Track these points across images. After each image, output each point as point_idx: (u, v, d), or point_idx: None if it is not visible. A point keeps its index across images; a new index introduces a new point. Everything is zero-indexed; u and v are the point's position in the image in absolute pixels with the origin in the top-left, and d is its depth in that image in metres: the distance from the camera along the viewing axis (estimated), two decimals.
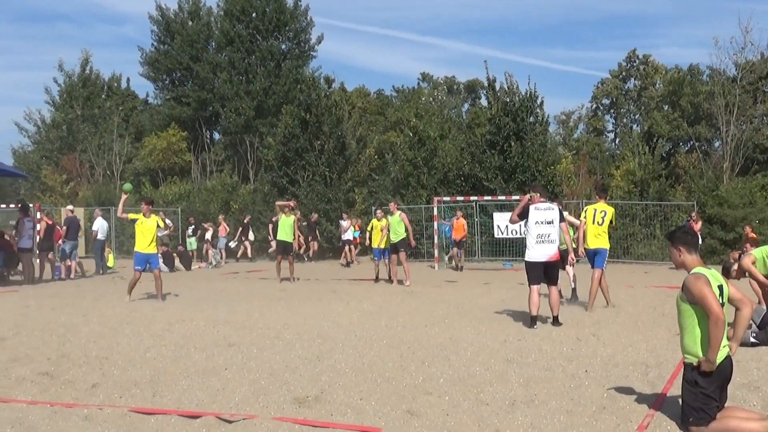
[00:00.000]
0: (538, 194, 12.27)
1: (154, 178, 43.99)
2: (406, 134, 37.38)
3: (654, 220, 30.63)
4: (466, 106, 57.72)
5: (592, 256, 13.87)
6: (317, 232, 32.13)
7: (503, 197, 29.16)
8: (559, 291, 12.26)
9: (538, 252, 11.79)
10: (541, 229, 11.83)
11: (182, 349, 9.68)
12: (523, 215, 12.13)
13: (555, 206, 12.19)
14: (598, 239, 13.85)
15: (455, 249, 26.61)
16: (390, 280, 20.25)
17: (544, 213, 11.95)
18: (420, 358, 8.99)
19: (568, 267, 14.64)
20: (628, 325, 11.58)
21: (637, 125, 51.84)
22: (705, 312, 5.74)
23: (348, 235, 29.78)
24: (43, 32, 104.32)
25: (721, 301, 5.82)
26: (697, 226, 24.18)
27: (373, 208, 25.54)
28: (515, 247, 28.63)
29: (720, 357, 5.81)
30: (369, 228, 21.95)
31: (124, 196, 15.26)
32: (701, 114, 39.01)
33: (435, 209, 28.24)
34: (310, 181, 34.71)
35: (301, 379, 7.84)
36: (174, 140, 44.68)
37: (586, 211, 14.31)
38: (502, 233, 28.58)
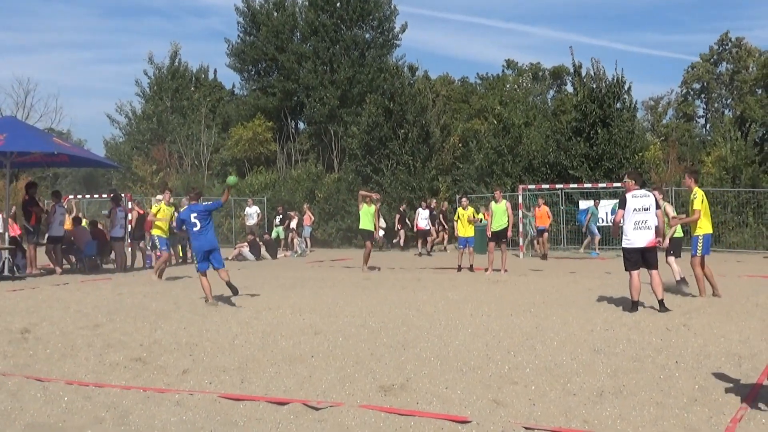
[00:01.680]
0: (634, 181, 12.36)
1: (241, 167, 44.68)
2: (490, 122, 37.18)
3: (746, 207, 29.82)
4: (552, 92, 57.09)
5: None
6: (407, 220, 32.12)
7: (589, 185, 28.78)
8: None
9: (636, 238, 11.98)
10: (638, 216, 11.99)
11: (269, 337, 9.80)
12: (621, 204, 12.26)
13: (651, 193, 12.36)
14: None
15: (538, 237, 26.42)
16: (485, 269, 20.19)
17: (641, 200, 12.09)
18: (506, 347, 8.93)
19: (670, 259, 14.86)
20: (720, 316, 11.30)
21: (729, 110, 50.63)
22: None
23: (423, 224, 29.59)
24: (133, 26, 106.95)
25: None
26: None
27: (457, 196, 25.49)
28: (602, 236, 28.23)
29: None
30: (456, 217, 21.90)
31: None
32: None
33: (520, 197, 28.03)
34: (393, 170, 34.81)
35: (387, 367, 7.86)
36: (260, 130, 45.30)
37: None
38: (603, 221, 28.23)
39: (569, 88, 48.46)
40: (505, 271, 19.66)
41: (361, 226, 21.52)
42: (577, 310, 12.01)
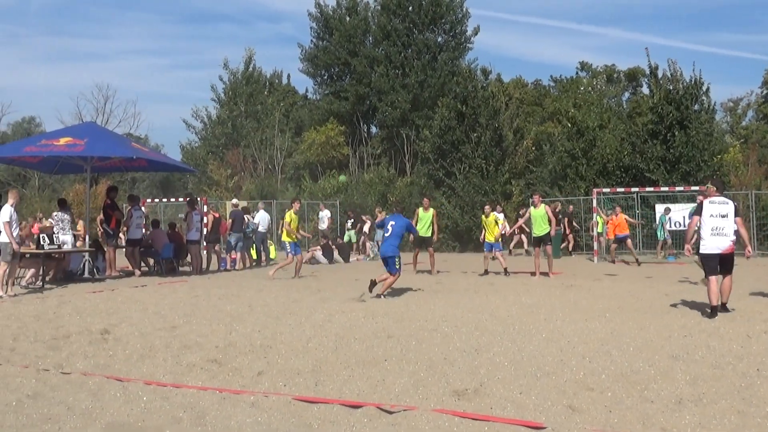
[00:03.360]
0: (715, 188, 12.49)
1: (314, 171, 45.03)
2: (564, 125, 36.81)
3: None
4: (627, 94, 56.30)
5: None
6: (573, 224, 31.09)
7: (666, 188, 28.33)
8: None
9: (712, 244, 12.05)
10: (716, 222, 12.06)
11: (342, 340, 9.85)
12: (698, 210, 12.42)
13: (730, 201, 12.34)
14: None
15: (614, 245, 25.93)
16: (532, 273, 20.14)
17: (719, 207, 12.15)
18: (580, 352, 8.84)
19: None
20: None
21: None
22: None
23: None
24: (208, 32, 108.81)
25: None
26: None
27: (531, 198, 25.25)
28: (678, 240, 27.73)
29: None
30: (482, 223, 22.00)
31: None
32: None
33: (594, 201, 27.70)
34: (466, 174, 34.69)
35: (460, 372, 7.84)
36: (332, 134, 45.62)
37: None
38: (672, 226, 27.79)
39: (645, 90, 47.72)
40: (551, 275, 19.74)
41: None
42: (654, 316, 11.82)
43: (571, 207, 31.08)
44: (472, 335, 10.15)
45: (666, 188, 28.40)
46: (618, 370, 7.85)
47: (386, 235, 15.68)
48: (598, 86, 53.74)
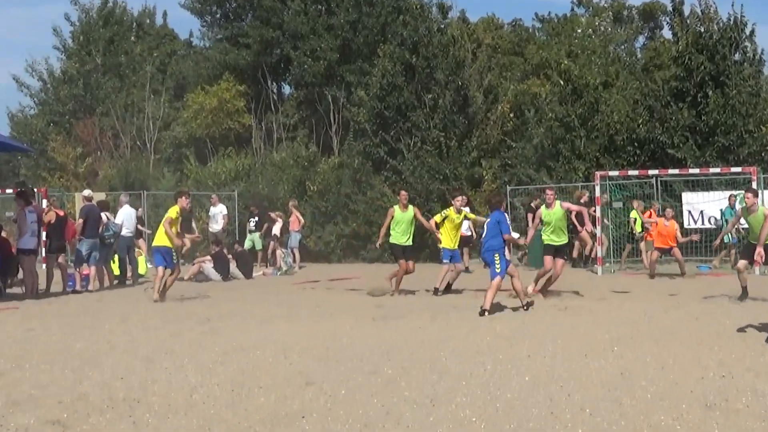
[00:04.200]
0: None
1: (201, 149, 44.69)
2: (554, 82, 37.08)
3: None
4: (641, 40, 56.91)
5: None
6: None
7: (696, 170, 28.64)
8: None
9: None
10: None
11: (242, 389, 9.79)
12: None
13: None
14: None
15: (655, 253, 25.83)
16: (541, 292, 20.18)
17: None
18: (578, 402, 8.89)
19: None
20: None
21: None
22: None
23: (464, 228, 29.12)
24: None
25: None
26: None
27: (509, 187, 25.35)
28: (708, 242, 28.20)
29: None
30: (440, 219, 21.73)
31: None
32: None
33: (597, 188, 27.84)
34: (417, 151, 34.76)
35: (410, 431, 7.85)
36: (228, 97, 45.27)
37: None
38: (696, 221, 28.19)
39: (666, 34, 48.32)
40: (533, 291, 19.79)
41: (391, 240, 21.52)
42: (681, 348, 11.95)
43: (585, 194, 30.67)
44: (426, 380, 10.15)
45: (696, 170, 28.73)
46: (631, 425, 7.92)
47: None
48: (602, 28, 54.23)
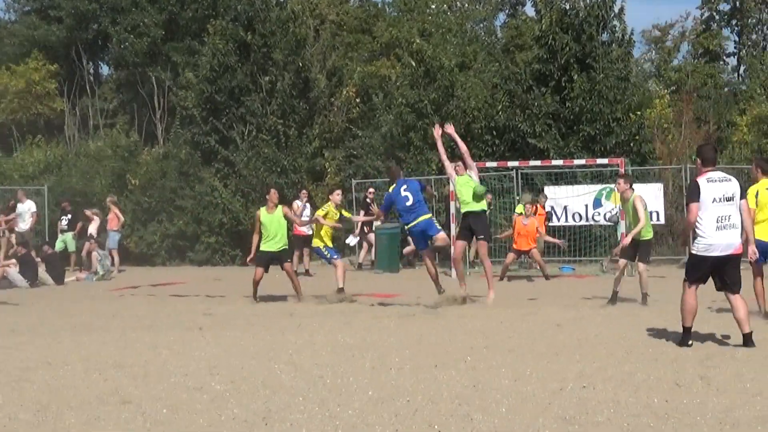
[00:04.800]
0: (703, 160, 12.95)
1: (6, 138, 43.86)
2: (405, 64, 37.29)
3: None
4: (502, 17, 57.66)
5: None
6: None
7: (560, 162, 29.07)
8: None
9: (719, 241, 12.49)
10: (721, 210, 12.54)
11: (47, 410, 9.64)
12: (694, 193, 12.67)
13: (733, 178, 12.91)
14: None
15: (511, 255, 26.06)
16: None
17: (721, 186, 12.63)
18: (426, 418, 8.99)
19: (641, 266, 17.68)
20: (754, 362, 11.60)
21: None
22: None
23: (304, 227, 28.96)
24: None
25: None
26: None
27: (354, 180, 25.42)
28: (580, 242, 28.72)
29: None
30: (322, 213, 21.87)
31: None
32: None
33: (451, 182, 28.04)
34: (252, 141, 34.64)
35: None
36: (37, 78, 44.55)
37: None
38: (559, 219, 28.68)
39: (529, 11, 49.08)
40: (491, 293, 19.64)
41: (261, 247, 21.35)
42: (538, 358, 12.15)
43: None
44: (258, 396, 10.16)
45: (560, 161, 29.24)
46: None
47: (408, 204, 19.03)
48: (459, 4, 54.74)
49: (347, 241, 28.58)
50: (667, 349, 12.57)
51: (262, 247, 20.96)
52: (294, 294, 20.94)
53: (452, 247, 20.98)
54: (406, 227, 20.33)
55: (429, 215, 19.27)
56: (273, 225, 20.99)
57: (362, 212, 29.74)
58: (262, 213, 21.00)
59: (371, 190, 30.99)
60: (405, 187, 19.14)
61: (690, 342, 12.46)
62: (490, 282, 19.26)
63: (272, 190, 21.69)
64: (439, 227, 19.23)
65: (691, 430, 8.31)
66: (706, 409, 9.12)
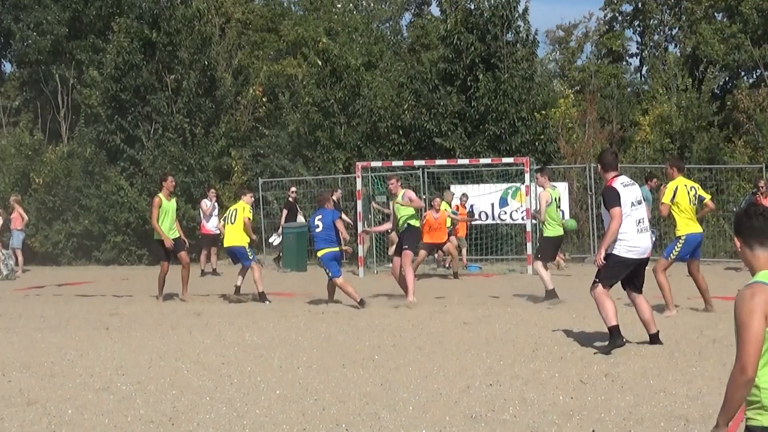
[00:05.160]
0: (602, 166, 13.31)
1: None
2: (312, 63, 37.22)
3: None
4: (408, 17, 57.77)
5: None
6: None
7: (466, 160, 29.14)
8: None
9: (640, 243, 12.72)
10: (638, 213, 12.77)
11: None
12: (613, 198, 12.74)
13: (634, 182, 13.36)
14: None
15: (422, 252, 25.85)
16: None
17: (633, 190, 12.97)
18: (334, 416, 8.99)
19: (537, 264, 18.33)
20: (659, 359, 11.74)
21: (676, 45, 52.45)
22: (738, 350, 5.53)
23: (212, 224, 28.71)
24: None
25: None
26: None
27: (261, 179, 25.37)
28: (487, 241, 28.85)
29: None
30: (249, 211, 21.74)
31: None
32: None
33: (359, 181, 27.98)
34: (158, 139, 34.41)
35: None
36: None
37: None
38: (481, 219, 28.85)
39: (435, 11, 49.19)
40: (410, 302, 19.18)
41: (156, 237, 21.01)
42: (447, 356, 12.20)
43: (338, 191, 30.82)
44: (165, 396, 10.11)
45: (466, 161, 29.30)
46: None
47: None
48: (365, 3, 54.75)
49: (270, 240, 28.39)
50: (573, 347, 12.69)
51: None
52: (182, 287, 20.88)
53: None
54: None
55: (335, 248, 19.23)
56: (171, 213, 20.82)
57: (285, 211, 29.65)
58: (163, 200, 20.55)
59: (293, 189, 30.79)
60: (320, 216, 19.36)
61: (624, 341, 12.39)
62: (410, 290, 19.07)
63: (169, 177, 21.40)
64: (339, 270, 19.19)
65: (596, 427, 8.40)
66: (611, 406, 9.22)
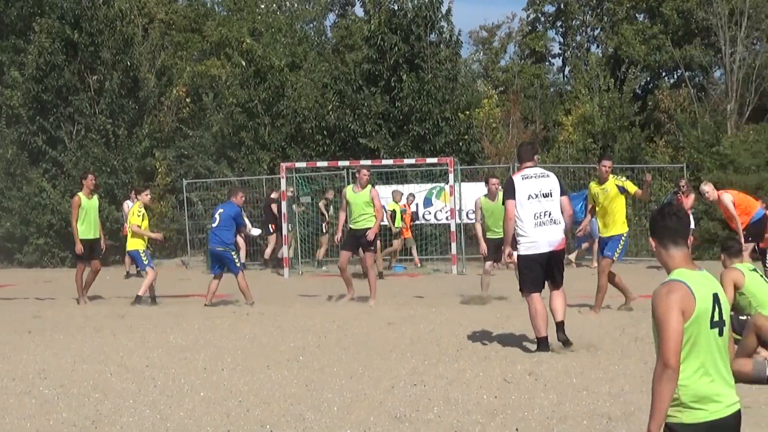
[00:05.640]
0: (523, 156, 13.17)
1: None
2: (236, 63, 37.09)
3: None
4: (332, 17, 57.72)
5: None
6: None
7: (390, 161, 29.17)
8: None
9: (539, 237, 12.52)
10: (537, 206, 12.56)
11: None
12: (509, 191, 12.71)
13: (552, 174, 13.07)
14: None
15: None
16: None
17: (537, 182, 12.68)
18: (259, 418, 8.98)
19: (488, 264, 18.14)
20: (582, 357, 11.82)
21: (598, 46, 52.81)
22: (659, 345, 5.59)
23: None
24: None
25: (715, 319, 5.72)
26: (689, 201, 24.58)
27: (185, 180, 25.23)
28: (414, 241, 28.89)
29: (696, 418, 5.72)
30: (136, 214, 21.34)
31: None
32: (694, 28, 39.97)
33: (283, 182, 27.94)
34: (81, 140, 34.12)
35: None
36: None
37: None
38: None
39: (359, 12, 49.21)
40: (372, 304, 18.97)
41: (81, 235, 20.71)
42: (371, 357, 12.23)
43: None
44: (88, 399, 10.04)
45: (390, 161, 29.35)
46: None
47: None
48: (289, 4, 54.63)
49: (251, 232, 28.07)
50: (497, 347, 12.75)
51: (84, 236, 20.38)
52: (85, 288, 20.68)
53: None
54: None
55: (225, 248, 19.24)
56: (92, 211, 20.63)
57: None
58: (83, 198, 20.42)
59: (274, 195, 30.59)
60: (221, 211, 19.56)
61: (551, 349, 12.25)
62: (373, 292, 18.94)
63: (89, 176, 21.23)
64: (239, 267, 19.43)
65: (520, 426, 8.45)
66: (534, 405, 9.29)
